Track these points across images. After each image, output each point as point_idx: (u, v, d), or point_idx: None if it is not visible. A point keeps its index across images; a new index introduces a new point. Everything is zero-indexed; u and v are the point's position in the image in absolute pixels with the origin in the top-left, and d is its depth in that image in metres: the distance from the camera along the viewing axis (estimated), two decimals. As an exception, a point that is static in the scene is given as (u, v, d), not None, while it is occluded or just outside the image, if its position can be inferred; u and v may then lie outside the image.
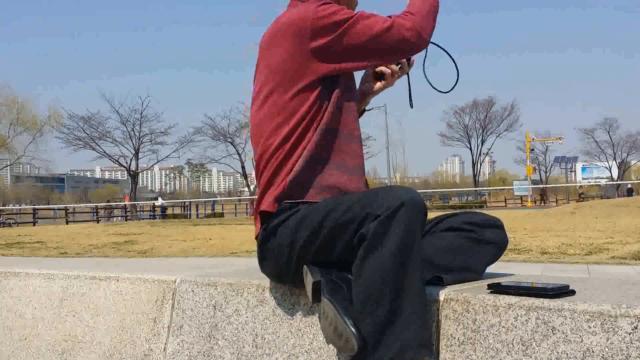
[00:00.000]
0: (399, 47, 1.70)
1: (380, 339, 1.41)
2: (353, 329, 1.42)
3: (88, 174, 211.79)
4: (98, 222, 26.68)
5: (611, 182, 55.27)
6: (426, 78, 1.86)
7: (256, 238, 1.77)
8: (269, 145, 1.71)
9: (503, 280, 1.56)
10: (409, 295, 1.42)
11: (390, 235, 1.43)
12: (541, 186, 45.69)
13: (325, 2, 1.69)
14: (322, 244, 1.59)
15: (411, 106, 1.92)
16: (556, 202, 43.84)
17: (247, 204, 39.77)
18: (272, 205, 1.69)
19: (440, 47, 1.82)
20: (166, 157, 42.73)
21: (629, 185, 46.13)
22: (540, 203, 41.57)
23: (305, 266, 1.62)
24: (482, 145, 64.61)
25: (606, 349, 1.27)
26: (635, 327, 1.25)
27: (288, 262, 1.66)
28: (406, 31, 1.68)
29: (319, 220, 1.58)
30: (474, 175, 65.05)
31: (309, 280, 1.59)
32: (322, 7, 1.67)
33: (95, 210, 33.90)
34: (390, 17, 1.70)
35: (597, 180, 66.65)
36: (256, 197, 1.78)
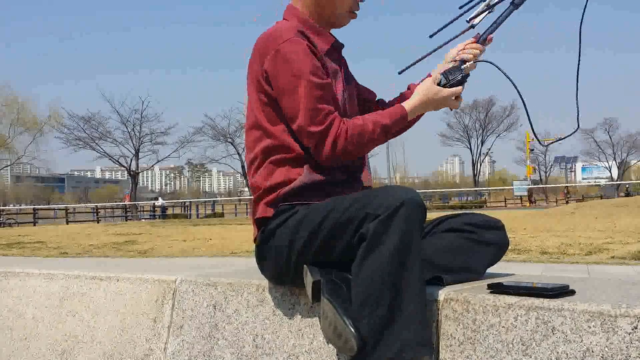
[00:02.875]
0: (308, 143, 1.66)
1: (379, 338, 1.41)
2: (352, 329, 1.42)
3: (88, 174, 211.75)
4: (98, 222, 26.67)
5: (610, 183, 55.26)
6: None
7: (255, 241, 1.77)
8: (257, 155, 1.74)
9: (503, 280, 1.56)
10: (408, 295, 1.42)
11: (390, 234, 1.44)
12: (531, 186, 45.56)
13: (304, 35, 1.67)
14: (321, 243, 1.59)
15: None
16: (556, 202, 43.81)
17: (247, 204, 39.78)
18: (268, 210, 1.71)
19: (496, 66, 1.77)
20: (166, 157, 42.81)
21: (628, 186, 46.29)
22: (530, 203, 41.36)
23: (305, 266, 1.63)
24: (482, 146, 64.64)
25: (606, 349, 1.27)
26: (635, 327, 1.25)
27: (287, 262, 1.66)
28: (326, 149, 1.63)
29: (318, 221, 1.58)
30: (474, 175, 65.03)
31: (308, 280, 1.59)
32: (293, 43, 1.64)
33: (95, 210, 33.89)
34: (331, 122, 1.61)
35: (597, 180, 66.67)
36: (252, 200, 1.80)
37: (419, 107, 1.74)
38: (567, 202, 37.85)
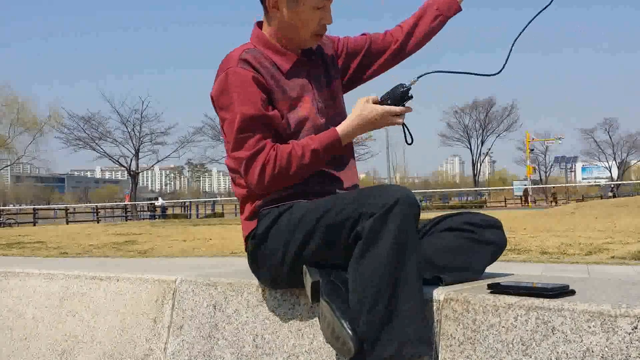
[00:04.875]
0: (235, 170, 1.73)
1: (378, 336, 1.41)
2: (350, 332, 1.42)
3: (88, 174, 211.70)
4: (98, 222, 26.67)
5: (609, 183, 55.28)
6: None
7: (246, 249, 1.78)
8: (231, 167, 1.77)
9: (503, 280, 1.56)
10: (406, 292, 1.43)
11: (386, 232, 1.44)
12: (526, 186, 45.57)
13: (246, 63, 1.68)
14: (317, 244, 1.59)
15: (409, 143, 1.80)
16: (556, 202, 43.79)
17: (247, 204, 39.67)
18: (250, 225, 1.75)
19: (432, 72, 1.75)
20: (166, 157, 42.63)
21: (613, 186, 46.71)
22: (525, 204, 41.31)
23: (304, 266, 1.63)
24: (482, 146, 64.68)
25: (606, 349, 1.27)
26: (635, 327, 1.25)
27: (282, 264, 1.67)
28: (252, 176, 1.65)
29: (313, 222, 1.59)
30: (474, 175, 65.04)
31: (308, 281, 1.60)
32: (230, 74, 1.66)
33: (95, 210, 33.89)
34: (259, 150, 1.63)
35: (596, 180, 66.69)
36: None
37: (354, 127, 1.68)
38: (553, 203, 38.03)
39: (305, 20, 1.73)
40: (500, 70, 1.78)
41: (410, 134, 1.76)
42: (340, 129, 1.69)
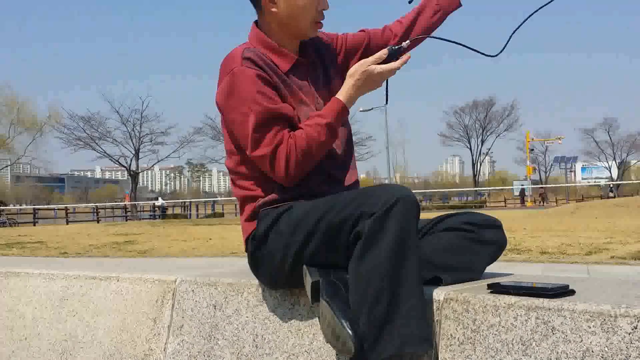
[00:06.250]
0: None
1: (379, 335, 1.41)
2: (350, 331, 1.42)
3: (88, 174, 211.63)
4: (98, 222, 26.67)
5: (609, 183, 55.29)
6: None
7: (246, 250, 1.78)
8: (231, 168, 1.79)
9: (503, 280, 1.56)
10: (406, 291, 1.42)
11: (386, 232, 1.44)
12: (523, 187, 45.60)
13: (250, 61, 1.67)
14: (318, 244, 1.59)
15: (386, 102, 1.86)
16: (556, 202, 43.81)
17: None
18: (250, 225, 1.75)
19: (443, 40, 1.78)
20: (166, 157, 42.72)
21: (611, 186, 46.94)
22: (521, 204, 41.37)
23: (304, 266, 1.63)
24: (482, 145, 64.72)
25: (606, 349, 1.27)
26: (635, 327, 1.25)
27: (283, 265, 1.67)
28: (279, 169, 1.64)
29: (313, 223, 1.59)
30: (474, 175, 65.06)
31: (307, 281, 1.60)
32: (236, 74, 1.66)
33: (95, 210, 33.90)
34: (278, 143, 1.63)
35: (596, 180, 66.70)
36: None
37: (355, 91, 1.71)
38: (543, 203, 38.19)
39: (303, 9, 1.73)
40: (499, 53, 1.79)
41: (387, 96, 1.80)
42: (342, 95, 1.71)
